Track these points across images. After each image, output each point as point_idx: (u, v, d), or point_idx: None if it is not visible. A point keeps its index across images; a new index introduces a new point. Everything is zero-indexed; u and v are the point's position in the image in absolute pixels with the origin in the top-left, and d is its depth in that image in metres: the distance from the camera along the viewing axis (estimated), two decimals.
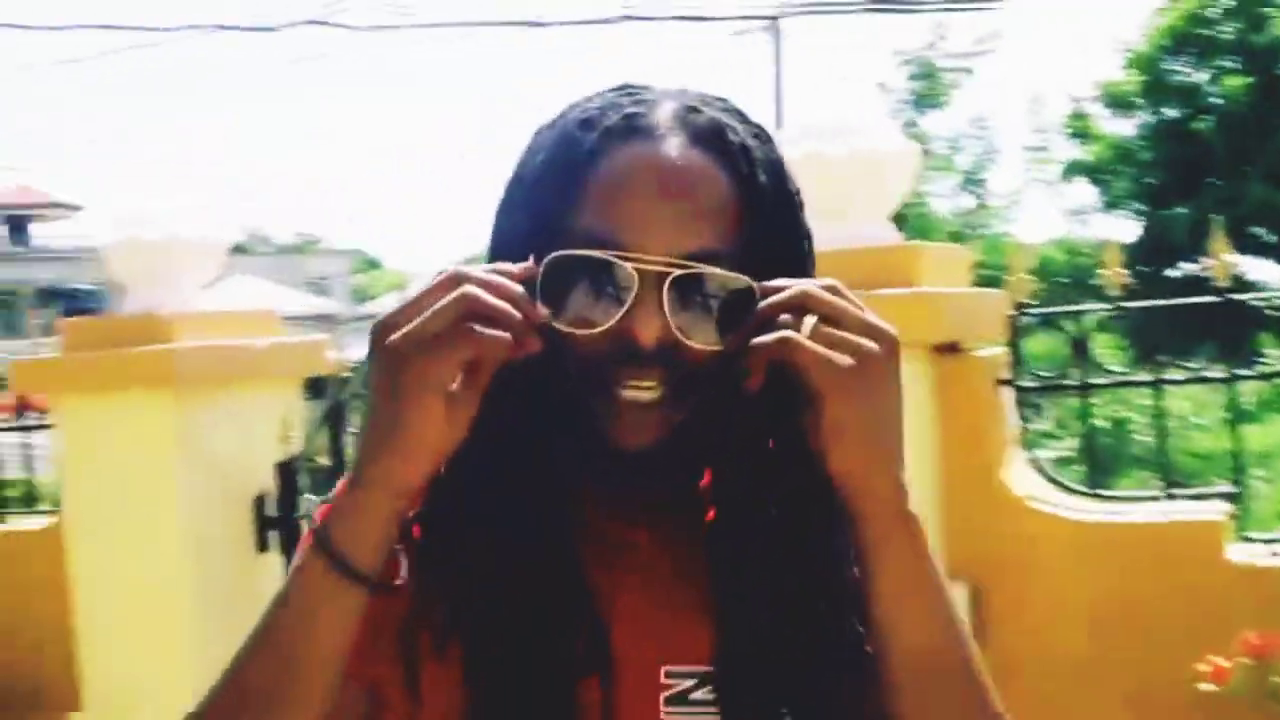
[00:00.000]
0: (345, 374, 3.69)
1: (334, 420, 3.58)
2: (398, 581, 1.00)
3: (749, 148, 1.00)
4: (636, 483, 1.02)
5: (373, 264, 50.72)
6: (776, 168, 1.02)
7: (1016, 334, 2.83)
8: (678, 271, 0.94)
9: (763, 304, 0.94)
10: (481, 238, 1.09)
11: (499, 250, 1.02)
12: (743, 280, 0.96)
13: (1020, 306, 2.83)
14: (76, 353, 3.45)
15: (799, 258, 1.03)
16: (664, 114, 0.99)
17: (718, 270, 0.96)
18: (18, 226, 38.75)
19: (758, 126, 1.03)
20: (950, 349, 2.75)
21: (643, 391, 0.97)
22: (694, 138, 0.99)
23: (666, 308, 0.94)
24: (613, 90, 1.04)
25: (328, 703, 0.96)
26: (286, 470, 3.41)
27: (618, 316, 0.94)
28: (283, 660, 0.95)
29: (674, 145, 0.98)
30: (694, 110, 1.00)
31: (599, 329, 0.95)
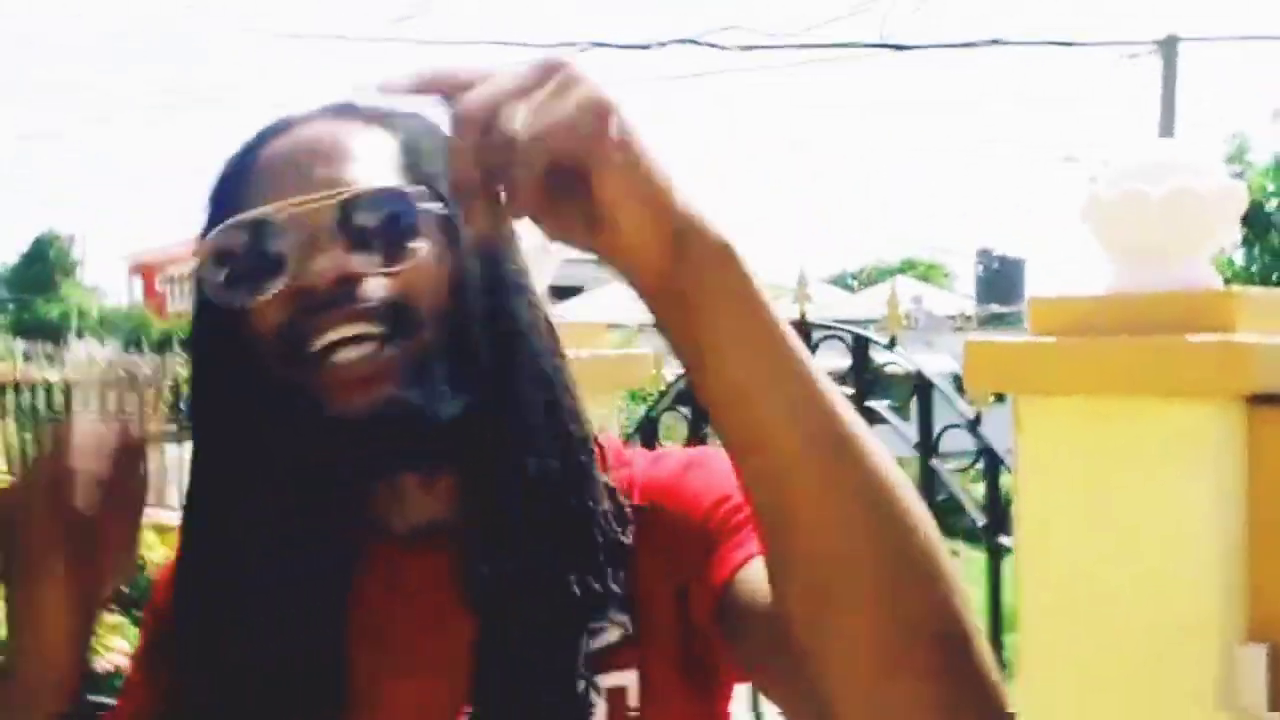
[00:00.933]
0: (663, 388, 3.83)
1: (647, 435, 3.72)
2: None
3: (377, 108, 0.97)
4: (374, 460, 0.92)
5: None
6: (413, 116, 0.96)
7: None
8: (337, 198, 0.89)
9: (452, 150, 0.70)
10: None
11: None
12: (410, 192, 0.91)
13: None
14: None
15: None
16: (297, 115, 0.99)
17: (380, 185, 0.91)
18: None
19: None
20: (1268, 400, 2.60)
21: (353, 344, 0.89)
22: (326, 114, 0.98)
23: (335, 240, 0.89)
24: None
25: None
26: None
27: (290, 271, 0.88)
28: None
29: (308, 127, 0.97)
30: (324, 107, 1.00)
31: (275, 290, 0.89)
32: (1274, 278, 18.37)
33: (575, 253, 0.84)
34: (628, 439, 3.63)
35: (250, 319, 0.90)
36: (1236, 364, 2.48)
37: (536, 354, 0.98)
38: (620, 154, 0.68)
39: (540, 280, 3.84)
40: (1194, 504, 2.57)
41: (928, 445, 3.20)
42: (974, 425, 3.10)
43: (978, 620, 0.76)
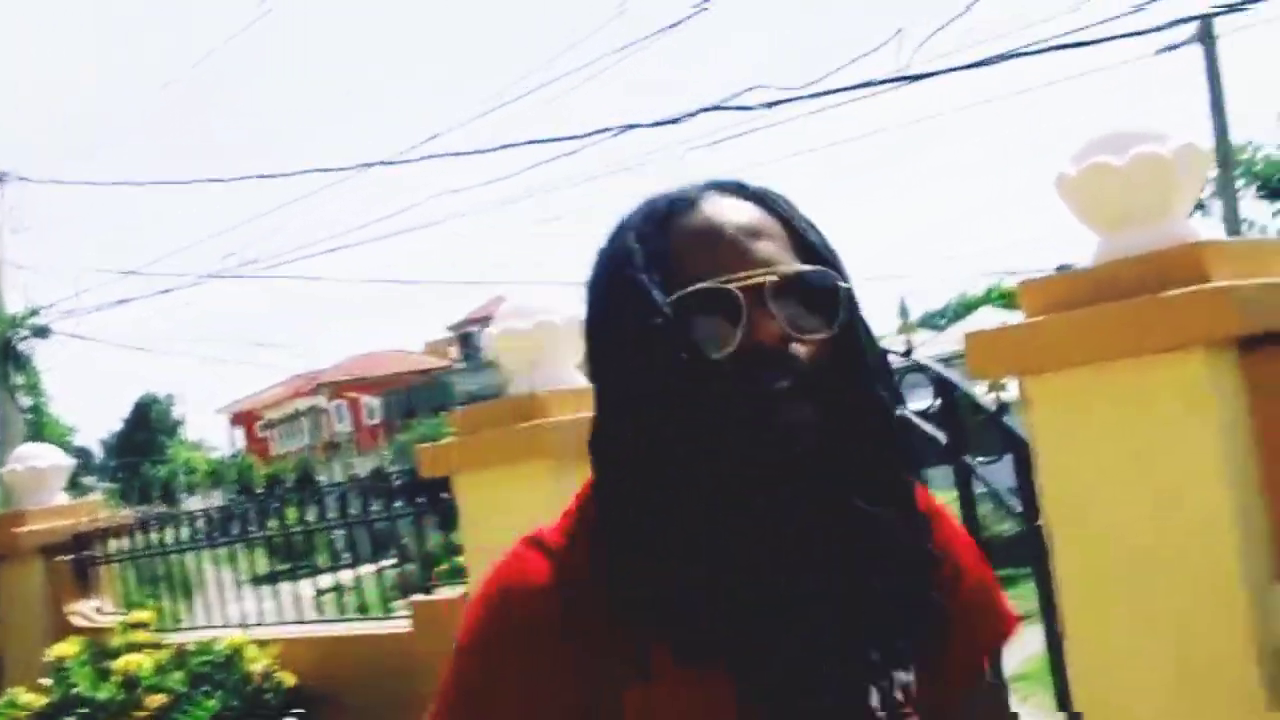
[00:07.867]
0: None
1: None
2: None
3: (776, 196, 1.22)
4: (793, 487, 1.14)
5: None
6: (799, 210, 1.22)
7: None
8: (774, 277, 1.13)
9: None
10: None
11: (610, 323, 1.20)
12: (829, 274, 1.16)
13: None
14: (469, 436, 3.92)
15: (842, 276, 1.19)
16: (705, 187, 1.22)
17: (807, 267, 1.15)
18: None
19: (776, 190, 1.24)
20: (1262, 342, 2.67)
21: (785, 390, 1.10)
22: (737, 194, 1.21)
23: (774, 310, 1.12)
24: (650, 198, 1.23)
25: None
26: None
27: (741, 329, 1.12)
28: None
29: (729, 201, 1.20)
30: (723, 181, 1.23)
31: (733, 345, 1.12)
32: None
33: None
34: None
35: (708, 361, 1.12)
36: (1213, 311, 2.55)
37: (889, 423, 1.22)
38: None
39: (576, 356, 3.98)
40: (1202, 452, 2.63)
41: (958, 444, 3.31)
42: (997, 418, 3.20)
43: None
